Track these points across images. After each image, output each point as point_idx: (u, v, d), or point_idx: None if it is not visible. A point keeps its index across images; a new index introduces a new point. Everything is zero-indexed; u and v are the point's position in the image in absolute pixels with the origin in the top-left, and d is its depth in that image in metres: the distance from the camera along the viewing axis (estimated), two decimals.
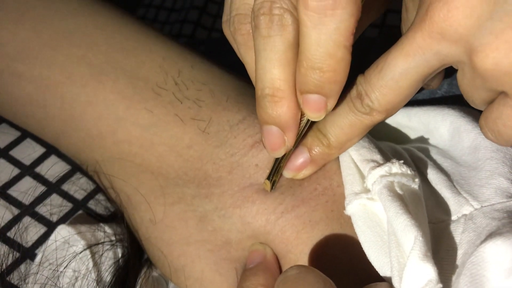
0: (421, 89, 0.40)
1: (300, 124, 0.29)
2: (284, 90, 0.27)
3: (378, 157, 0.29)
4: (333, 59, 0.25)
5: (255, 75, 0.27)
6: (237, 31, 0.28)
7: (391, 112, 0.27)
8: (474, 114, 0.33)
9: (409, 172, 0.28)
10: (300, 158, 0.30)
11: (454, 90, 0.40)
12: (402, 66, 0.25)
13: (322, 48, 0.25)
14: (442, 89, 0.40)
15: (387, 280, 0.26)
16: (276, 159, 0.30)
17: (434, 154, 0.33)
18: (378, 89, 0.26)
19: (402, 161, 0.28)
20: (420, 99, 0.40)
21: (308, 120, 0.29)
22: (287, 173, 0.30)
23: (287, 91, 0.27)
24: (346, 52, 0.25)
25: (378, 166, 0.28)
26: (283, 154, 0.29)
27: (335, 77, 0.26)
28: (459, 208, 0.29)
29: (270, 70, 0.27)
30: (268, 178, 0.30)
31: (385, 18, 0.54)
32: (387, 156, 0.30)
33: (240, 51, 0.29)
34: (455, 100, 0.37)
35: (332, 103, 0.27)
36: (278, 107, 0.27)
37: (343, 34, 0.24)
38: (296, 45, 0.26)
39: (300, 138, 0.30)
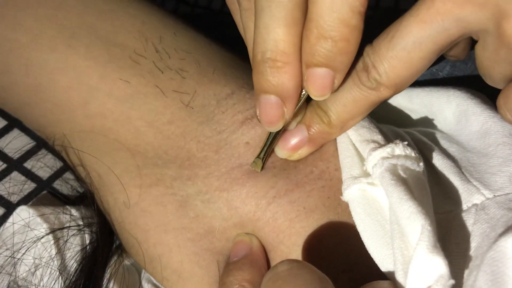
0: None
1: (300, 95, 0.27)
2: (289, 54, 0.25)
3: (379, 138, 0.28)
4: (347, 27, 0.23)
5: (253, 37, 0.25)
6: None
7: (400, 88, 0.25)
8: (482, 96, 0.32)
9: (413, 154, 0.27)
10: (297, 136, 0.28)
11: (457, 72, 0.40)
12: (416, 35, 0.23)
13: (336, 13, 0.23)
14: (444, 71, 0.40)
15: (390, 276, 0.24)
16: (269, 135, 0.28)
17: (439, 138, 0.32)
18: (387, 61, 0.24)
19: (406, 142, 0.27)
20: (421, 80, 0.40)
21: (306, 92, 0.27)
22: (282, 152, 0.29)
23: (292, 56, 0.25)
24: (360, 19, 0.24)
25: (379, 147, 0.27)
26: (281, 127, 0.27)
27: (348, 48, 0.24)
28: (468, 197, 0.27)
29: (274, 29, 0.25)
30: (258, 156, 0.28)
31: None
32: (389, 138, 0.29)
33: (242, 17, 0.28)
34: (457, 83, 0.37)
35: (339, 78, 0.26)
36: (281, 74, 0.25)
37: None
38: (305, 4, 0.24)
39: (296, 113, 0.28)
